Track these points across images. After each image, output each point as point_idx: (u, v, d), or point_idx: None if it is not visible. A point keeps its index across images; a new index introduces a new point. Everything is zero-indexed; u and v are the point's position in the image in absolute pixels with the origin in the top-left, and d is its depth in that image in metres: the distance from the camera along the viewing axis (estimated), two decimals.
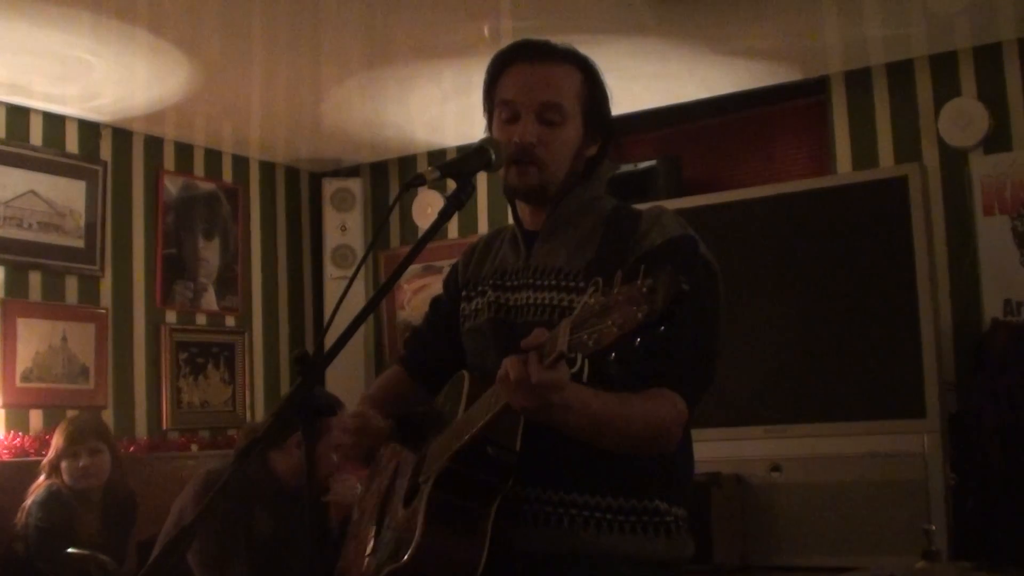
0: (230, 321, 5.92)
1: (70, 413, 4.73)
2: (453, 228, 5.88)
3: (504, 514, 1.77)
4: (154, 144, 5.63)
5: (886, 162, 4.85)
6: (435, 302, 2.19)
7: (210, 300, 5.82)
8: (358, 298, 5.46)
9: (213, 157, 5.94)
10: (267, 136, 5.85)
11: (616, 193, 2.05)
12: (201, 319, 5.79)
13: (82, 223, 5.22)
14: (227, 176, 6.00)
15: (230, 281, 5.92)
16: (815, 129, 5.20)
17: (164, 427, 5.49)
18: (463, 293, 2.06)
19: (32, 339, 4.94)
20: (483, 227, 5.76)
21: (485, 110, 2.01)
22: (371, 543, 1.97)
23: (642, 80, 4.95)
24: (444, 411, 1.93)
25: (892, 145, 4.88)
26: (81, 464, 4.07)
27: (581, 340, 1.42)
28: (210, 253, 5.84)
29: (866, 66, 4.95)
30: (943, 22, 4.48)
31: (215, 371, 5.78)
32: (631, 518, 1.83)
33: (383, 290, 1.81)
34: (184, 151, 5.79)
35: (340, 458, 1.97)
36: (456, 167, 1.82)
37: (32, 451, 4.69)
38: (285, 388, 6.06)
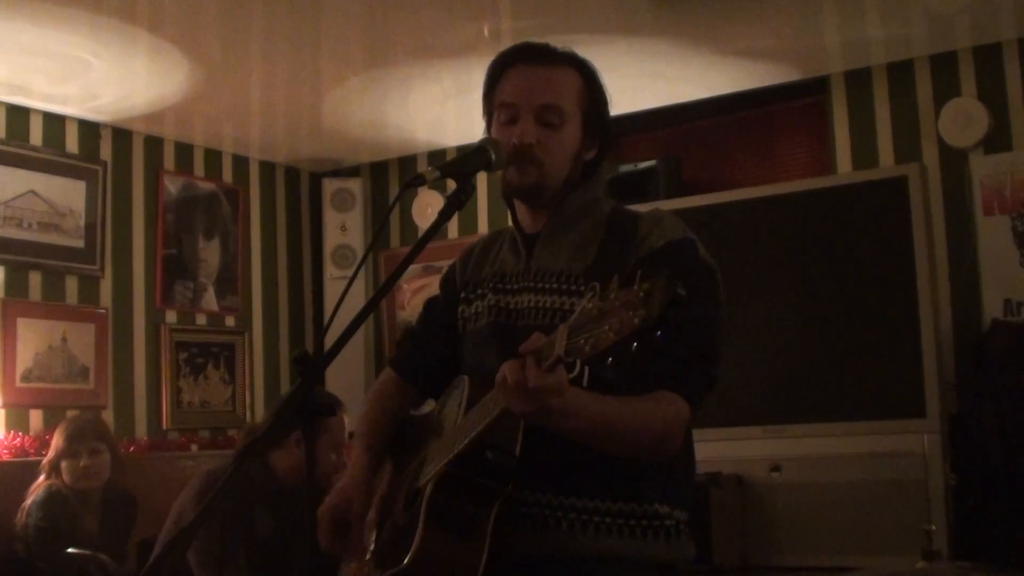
0: (230, 321, 5.92)
1: (70, 413, 4.74)
2: (453, 228, 5.88)
3: (504, 518, 1.77)
4: (154, 144, 5.63)
5: (886, 162, 4.85)
6: (430, 303, 2.17)
7: (210, 300, 5.82)
8: (358, 298, 5.45)
9: (213, 157, 5.94)
10: (267, 136, 5.84)
11: (616, 193, 2.05)
12: (201, 319, 5.79)
13: (82, 223, 5.22)
14: (227, 176, 5.99)
15: (230, 281, 5.92)
16: (815, 129, 5.20)
17: (164, 427, 5.49)
18: (462, 295, 2.05)
19: (32, 339, 4.94)
20: (483, 227, 5.75)
21: (485, 112, 2.00)
22: (372, 546, 1.97)
23: (642, 80, 4.95)
24: (443, 415, 1.93)
25: (892, 145, 4.88)
26: (81, 464, 4.07)
27: (578, 344, 1.43)
28: (210, 253, 5.84)
29: (866, 66, 4.94)
30: (943, 22, 4.48)
31: (215, 371, 5.78)
32: (631, 522, 1.83)
33: (383, 290, 1.81)
34: (184, 151, 5.79)
35: (324, 546, 1.95)
36: (456, 167, 1.82)
37: (32, 451, 4.69)
38: (285, 388, 6.06)
